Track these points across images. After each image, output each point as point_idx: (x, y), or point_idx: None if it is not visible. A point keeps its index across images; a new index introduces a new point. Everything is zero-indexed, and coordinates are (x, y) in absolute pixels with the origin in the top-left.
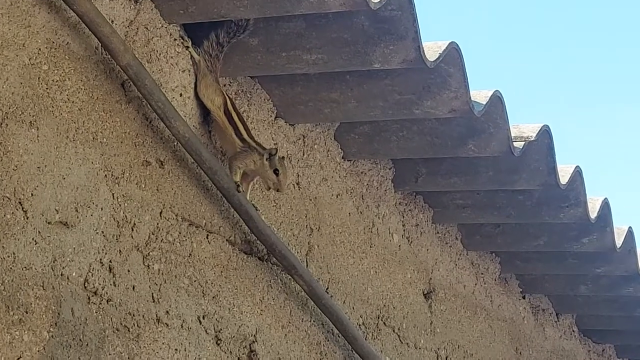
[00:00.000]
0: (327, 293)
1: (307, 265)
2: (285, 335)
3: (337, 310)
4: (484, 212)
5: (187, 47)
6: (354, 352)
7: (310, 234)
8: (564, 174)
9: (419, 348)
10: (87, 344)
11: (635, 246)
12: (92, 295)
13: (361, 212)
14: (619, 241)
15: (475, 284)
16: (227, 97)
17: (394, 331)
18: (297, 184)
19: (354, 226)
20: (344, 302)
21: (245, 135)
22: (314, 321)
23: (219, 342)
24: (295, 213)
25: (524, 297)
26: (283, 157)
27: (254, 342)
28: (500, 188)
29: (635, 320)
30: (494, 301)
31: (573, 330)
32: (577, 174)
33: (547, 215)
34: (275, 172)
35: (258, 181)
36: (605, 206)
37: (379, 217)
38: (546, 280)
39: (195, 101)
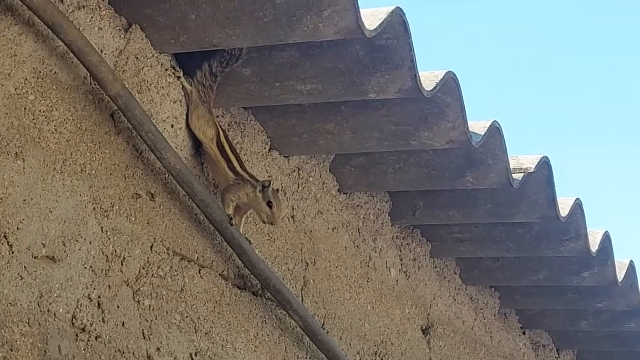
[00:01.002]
0: (323, 329)
1: (302, 300)
2: None
3: (334, 346)
4: (483, 245)
5: (179, 77)
6: None
7: (305, 268)
8: (564, 207)
9: None
10: None
11: (637, 280)
12: (80, 332)
13: (357, 246)
14: (620, 275)
15: (475, 320)
16: (220, 128)
17: None
18: (292, 217)
19: (350, 260)
20: (340, 338)
21: (238, 168)
22: (309, 358)
23: None
24: (290, 247)
25: (524, 333)
26: (277, 190)
27: None
28: (499, 221)
29: (637, 356)
30: (494, 337)
31: None
32: (577, 206)
33: (547, 248)
34: (269, 204)
35: (252, 214)
36: (606, 239)
37: (375, 251)
38: (546, 315)
39: (187, 132)
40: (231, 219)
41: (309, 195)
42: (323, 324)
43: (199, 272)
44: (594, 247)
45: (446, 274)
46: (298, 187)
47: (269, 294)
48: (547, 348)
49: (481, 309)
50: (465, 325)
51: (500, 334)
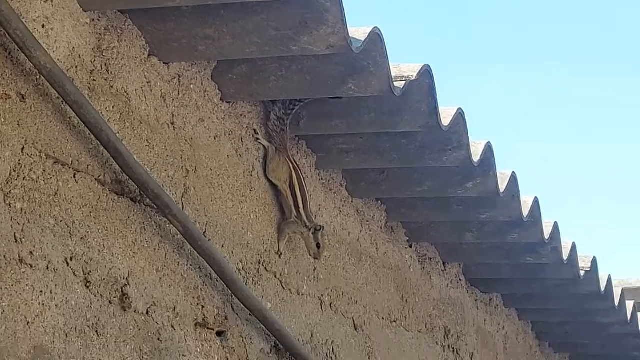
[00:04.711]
0: (205, 236)
1: (182, 208)
2: (160, 279)
3: (215, 253)
4: (368, 156)
5: (258, 139)
6: (233, 296)
7: (186, 176)
8: (446, 116)
9: (302, 294)
10: None
11: (519, 191)
12: None
13: (241, 155)
14: (502, 186)
15: (360, 231)
16: (293, 170)
17: (275, 277)
18: (172, 124)
19: (233, 169)
20: (222, 246)
21: (301, 208)
22: (190, 265)
23: (88, 284)
24: (169, 154)
25: (410, 246)
26: (323, 227)
27: (126, 285)
28: (383, 130)
29: (521, 268)
30: (380, 249)
31: (460, 279)
32: (460, 116)
33: (430, 159)
34: (318, 245)
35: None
36: (488, 150)
37: (259, 161)
38: (432, 228)
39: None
40: (280, 253)
41: (189, 103)
42: (205, 231)
43: (74, 177)
44: (476, 157)
45: (332, 186)
46: (178, 94)
47: (148, 200)
48: (434, 261)
49: (367, 221)
50: (350, 236)
51: (387, 246)
